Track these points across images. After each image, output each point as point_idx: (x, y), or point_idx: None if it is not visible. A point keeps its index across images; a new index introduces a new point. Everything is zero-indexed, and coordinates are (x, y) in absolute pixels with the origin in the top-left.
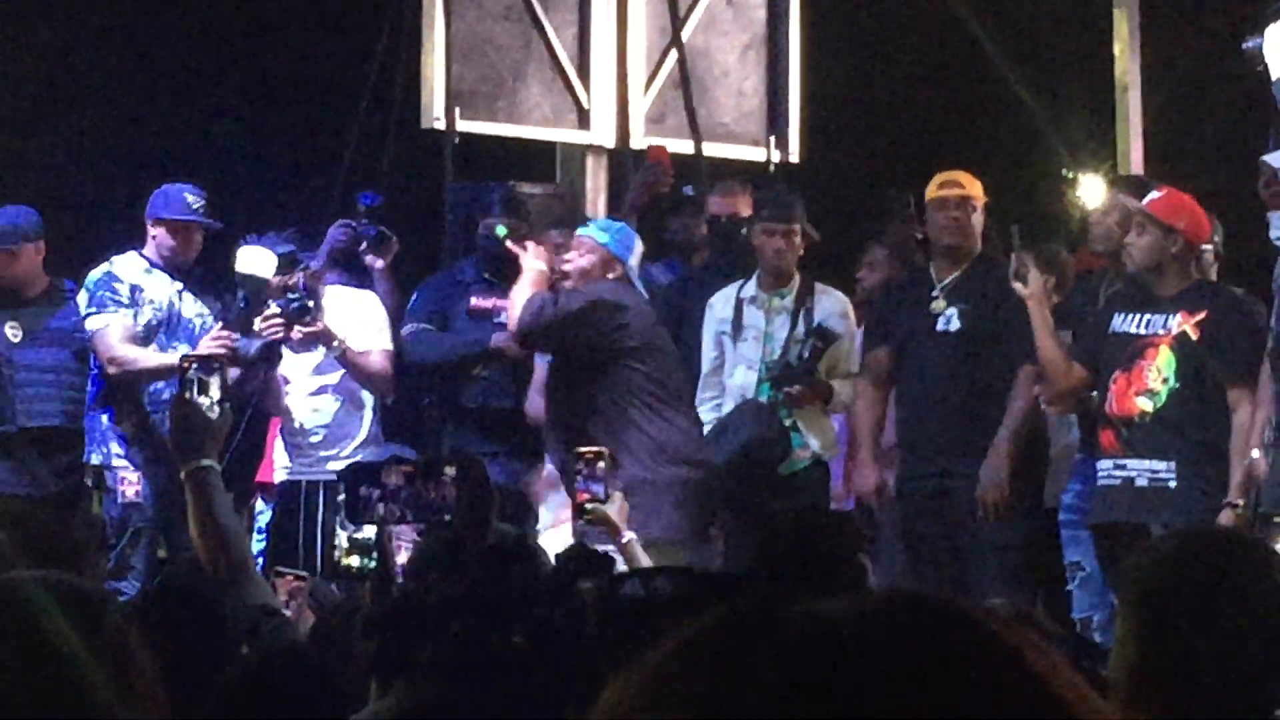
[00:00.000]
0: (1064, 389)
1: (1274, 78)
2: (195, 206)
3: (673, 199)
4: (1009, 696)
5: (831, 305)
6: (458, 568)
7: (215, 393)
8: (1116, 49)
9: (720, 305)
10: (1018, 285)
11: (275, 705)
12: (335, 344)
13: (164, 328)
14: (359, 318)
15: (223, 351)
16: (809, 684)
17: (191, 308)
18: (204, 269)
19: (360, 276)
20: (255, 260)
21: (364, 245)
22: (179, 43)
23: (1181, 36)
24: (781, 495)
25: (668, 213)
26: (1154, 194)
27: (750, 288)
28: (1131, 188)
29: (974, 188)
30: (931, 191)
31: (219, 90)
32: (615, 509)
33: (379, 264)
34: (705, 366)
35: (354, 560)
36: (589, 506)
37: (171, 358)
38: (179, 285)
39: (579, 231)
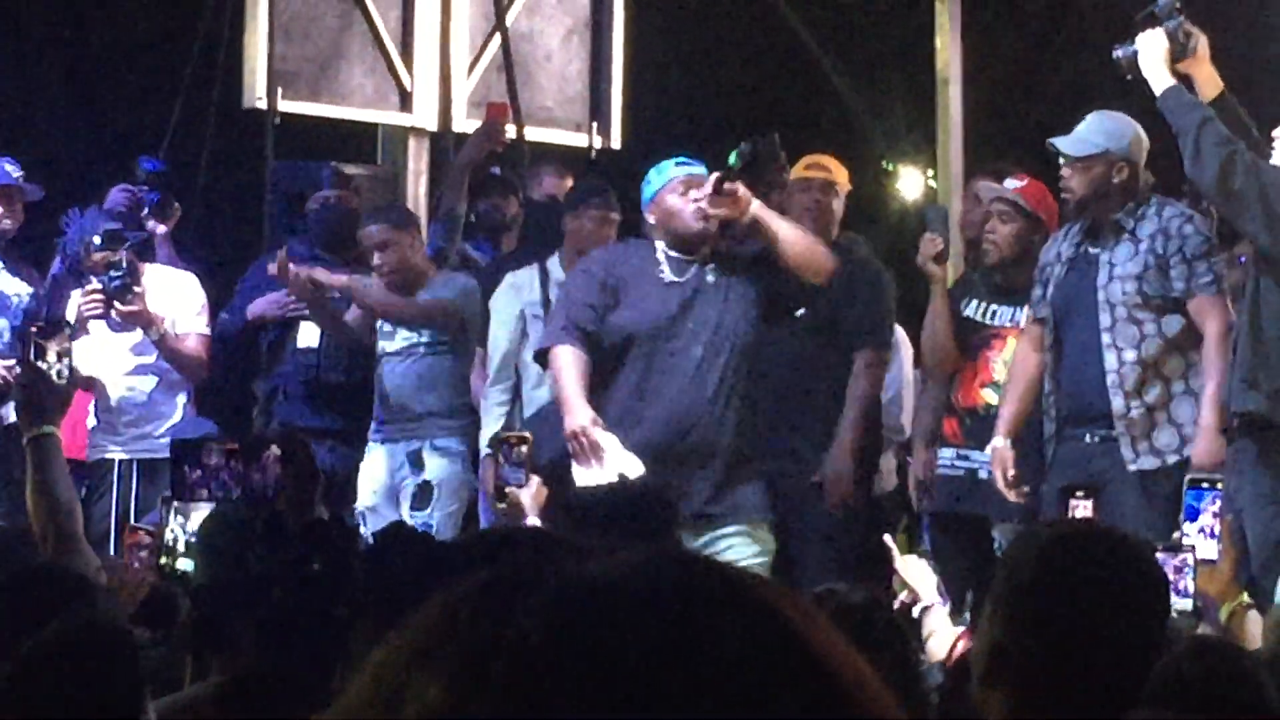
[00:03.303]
0: (944, 376)
1: (1157, 91)
2: (15, 175)
3: (484, 177)
4: (768, 657)
5: None
6: (278, 544)
7: (52, 357)
8: (938, 42)
9: (526, 285)
10: (931, 267)
11: (65, 683)
12: (154, 329)
13: None
14: (178, 299)
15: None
16: (567, 642)
17: (10, 283)
18: (23, 242)
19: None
20: None
21: (146, 210)
22: None
23: (1002, 30)
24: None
25: (476, 193)
26: (1017, 182)
27: (556, 268)
28: (990, 176)
29: (840, 174)
30: (796, 171)
31: (40, 66)
32: (530, 494)
33: (160, 229)
34: (504, 346)
35: (188, 564)
36: (507, 491)
37: None
38: None
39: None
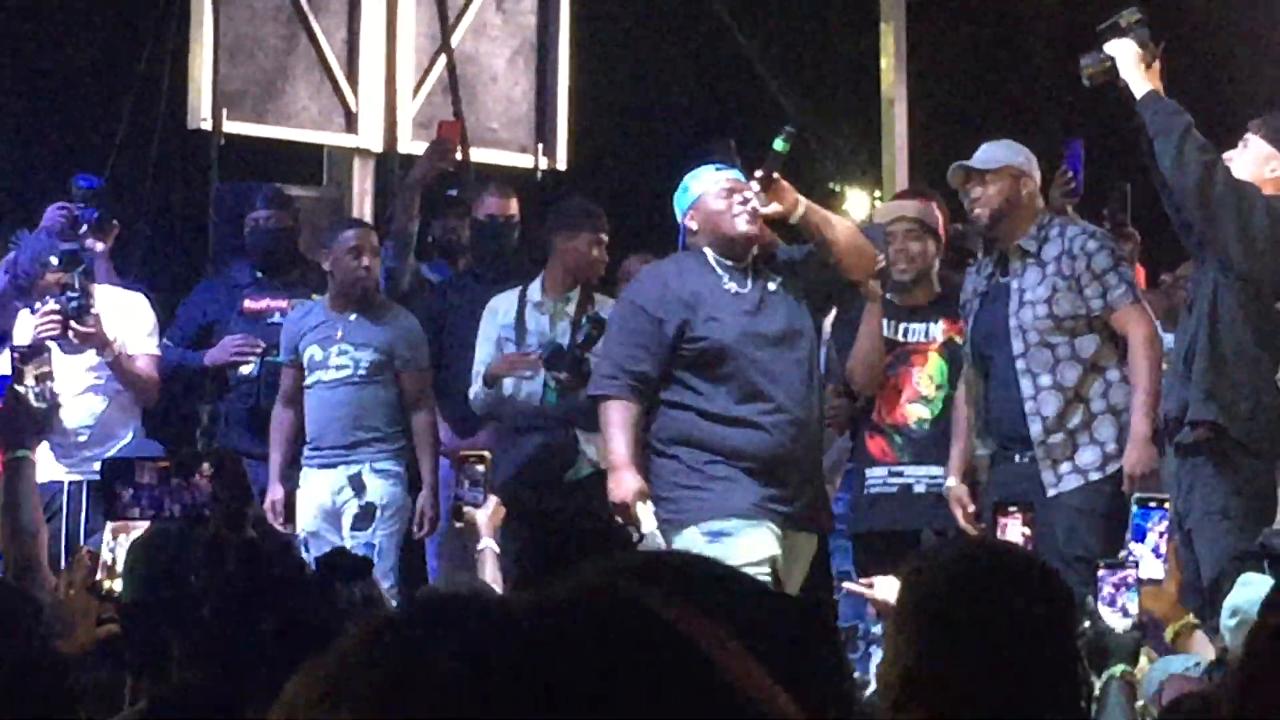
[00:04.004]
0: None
1: (1138, 94)
2: None
3: (442, 194)
4: (683, 686)
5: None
6: (211, 561)
7: (31, 380)
8: (883, 63)
9: (502, 309)
10: (872, 285)
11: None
12: (108, 350)
13: None
14: (129, 320)
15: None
16: (481, 677)
17: None
18: None
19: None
20: None
21: (84, 229)
22: None
23: (947, 52)
24: (568, 502)
25: (433, 215)
26: (928, 203)
27: (535, 291)
28: (909, 195)
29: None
30: None
31: None
32: (486, 515)
33: (99, 247)
34: (482, 369)
35: (118, 584)
36: (464, 510)
37: None
38: None
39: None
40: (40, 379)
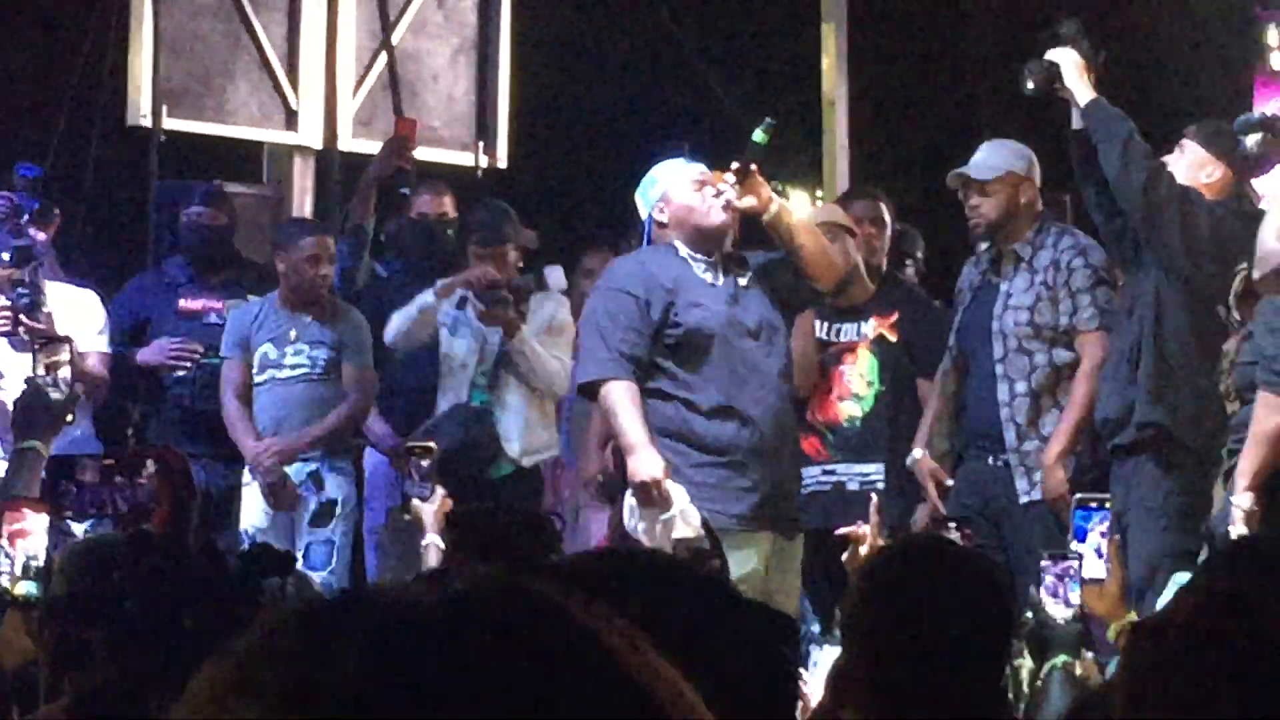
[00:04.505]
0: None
1: (1081, 102)
2: None
3: (395, 192)
4: (587, 685)
5: (552, 307)
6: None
7: (42, 370)
8: (824, 64)
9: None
10: None
11: None
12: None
13: None
14: (80, 317)
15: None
16: (386, 671)
17: None
18: None
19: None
20: None
21: (26, 218)
22: None
23: (888, 53)
24: (490, 499)
25: (385, 212)
26: (875, 203)
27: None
28: (857, 196)
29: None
30: None
31: None
32: (433, 509)
33: (41, 236)
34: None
35: (25, 588)
36: (411, 504)
37: None
38: None
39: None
40: (51, 368)
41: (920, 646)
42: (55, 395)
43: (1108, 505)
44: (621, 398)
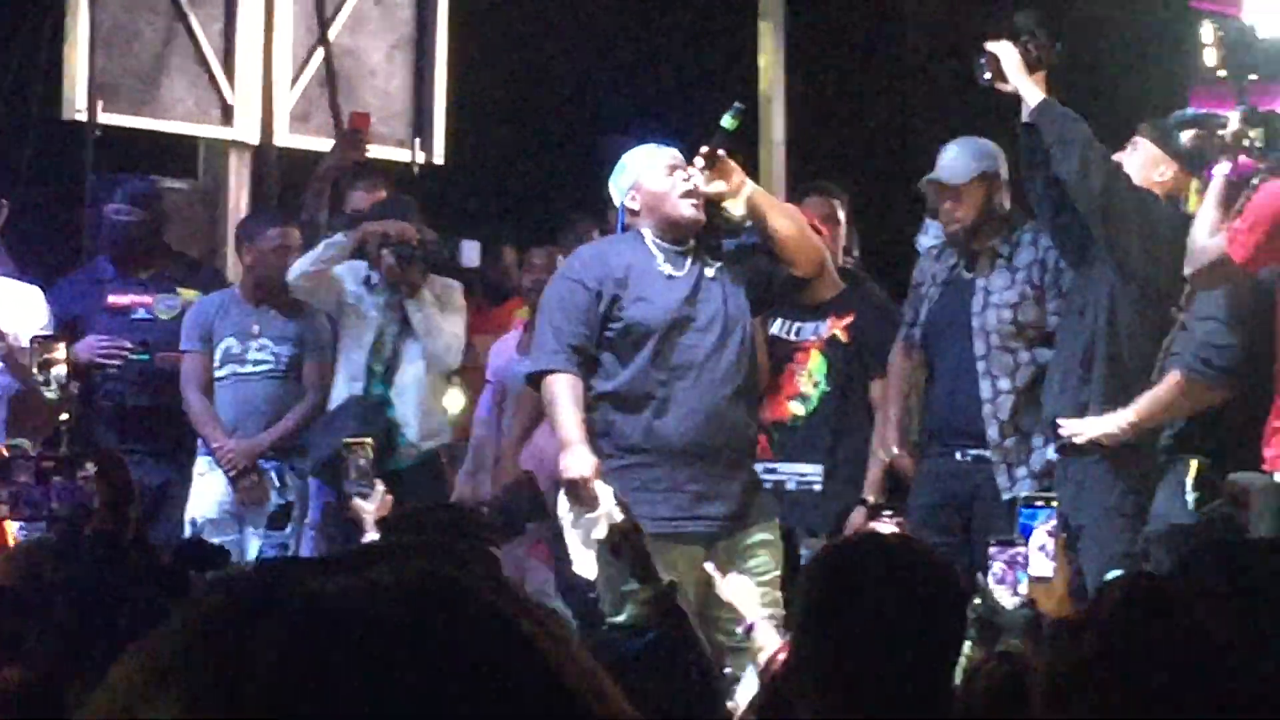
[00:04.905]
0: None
1: (1031, 102)
2: None
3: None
4: (505, 673)
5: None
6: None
7: (36, 369)
8: (761, 61)
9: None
10: None
11: None
12: (2, 343)
13: None
14: (23, 313)
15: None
16: (304, 663)
17: None
18: None
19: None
20: None
21: None
22: None
23: (825, 51)
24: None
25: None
26: (828, 200)
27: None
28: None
29: None
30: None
31: None
32: (373, 506)
33: None
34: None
35: None
36: (351, 502)
37: None
38: None
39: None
40: (44, 366)
41: (871, 642)
42: (51, 396)
43: (1053, 504)
44: (561, 392)
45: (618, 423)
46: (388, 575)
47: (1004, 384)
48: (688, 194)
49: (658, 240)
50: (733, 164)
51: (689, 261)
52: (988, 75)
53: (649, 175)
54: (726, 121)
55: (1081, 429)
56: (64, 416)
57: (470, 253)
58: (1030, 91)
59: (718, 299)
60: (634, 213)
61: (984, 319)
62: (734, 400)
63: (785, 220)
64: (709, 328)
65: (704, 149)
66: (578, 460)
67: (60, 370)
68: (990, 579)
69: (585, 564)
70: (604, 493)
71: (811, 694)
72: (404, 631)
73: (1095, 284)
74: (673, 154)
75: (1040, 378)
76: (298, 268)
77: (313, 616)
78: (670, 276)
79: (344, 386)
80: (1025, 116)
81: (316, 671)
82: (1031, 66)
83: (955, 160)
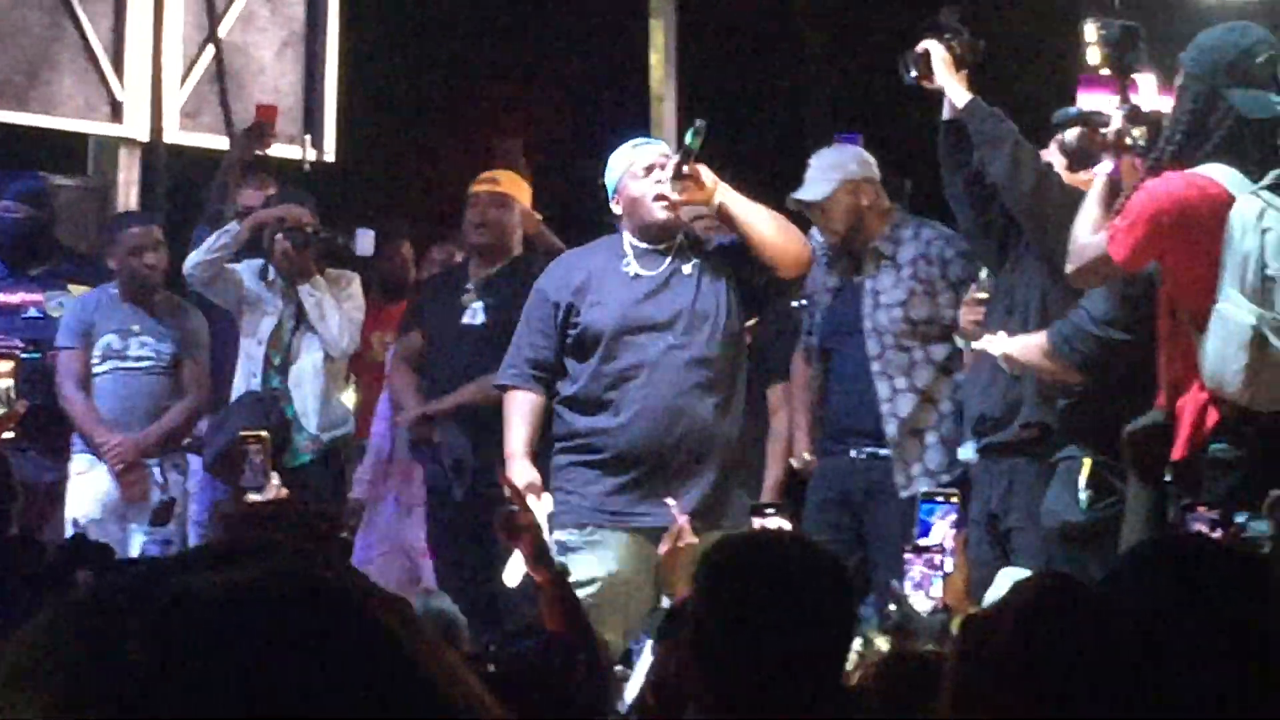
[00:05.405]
0: None
1: (959, 103)
2: None
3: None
4: (371, 669)
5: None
6: None
7: None
8: (652, 59)
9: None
10: None
11: None
12: None
13: None
14: None
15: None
16: (170, 659)
17: None
18: None
19: None
20: None
21: None
22: None
23: (718, 49)
24: (290, 488)
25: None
26: None
27: (272, 273)
28: None
29: (511, 185)
30: (470, 189)
31: None
32: (270, 498)
33: None
34: None
35: None
36: (246, 497)
37: None
38: None
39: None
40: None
41: (757, 639)
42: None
43: (954, 500)
44: (515, 408)
45: (576, 425)
46: (251, 570)
47: (901, 383)
48: (659, 197)
49: (634, 241)
50: (704, 176)
51: (668, 260)
52: (914, 73)
53: (629, 178)
54: (689, 139)
55: (986, 345)
56: (9, 435)
57: (365, 242)
58: (957, 91)
59: (686, 297)
60: (618, 216)
61: (875, 320)
62: (696, 398)
63: (763, 224)
64: (668, 326)
65: (672, 164)
66: (515, 473)
67: (7, 384)
68: (907, 584)
69: (512, 573)
70: (538, 508)
71: (699, 693)
72: (267, 625)
73: (1021, 280)
74: (653, 153)
75: (936, 375)
76: (192, 259)
77: (178, 612)
78: (635, 276)
79: (243, 381)
80: (946, 114)
81: (182, 666)
82: (956, 64)
83: (813, 174)
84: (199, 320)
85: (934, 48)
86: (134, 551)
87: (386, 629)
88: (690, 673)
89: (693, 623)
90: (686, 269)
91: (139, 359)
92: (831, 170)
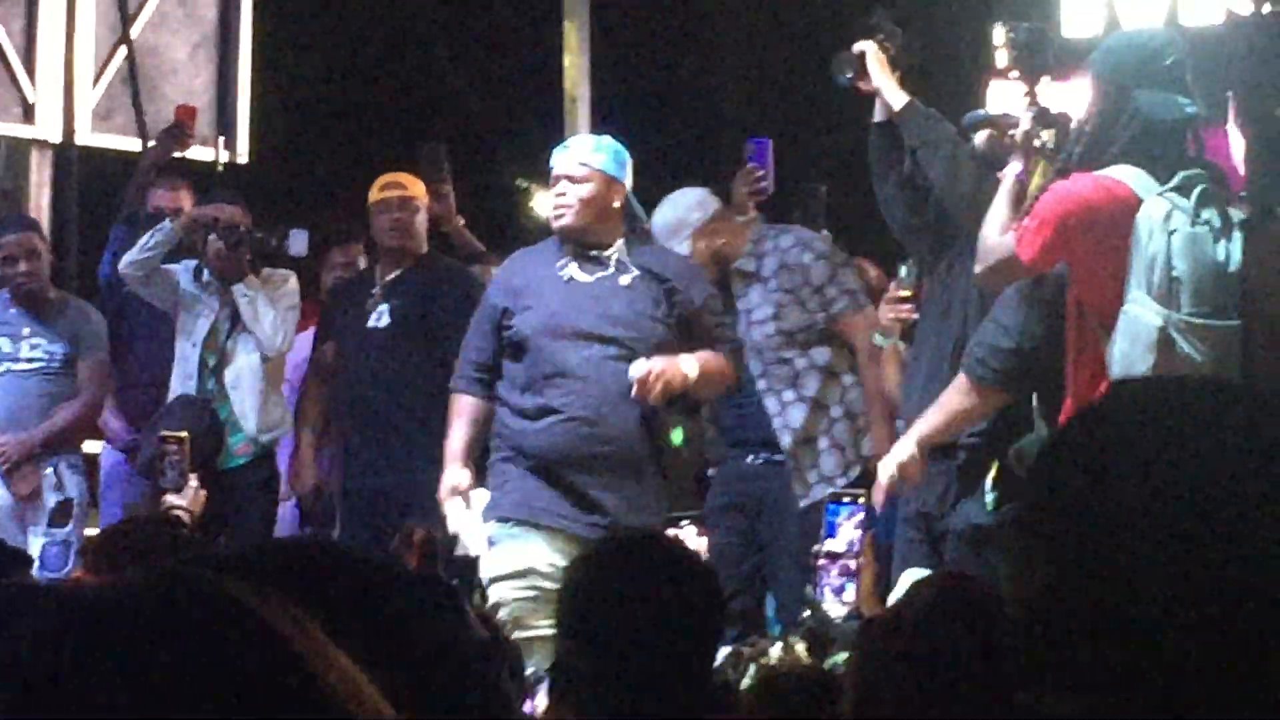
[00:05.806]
0: None
1: (895, 106)
2: None
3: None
4: (260, 676)
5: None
6: None
7: None
8: (566, 60)
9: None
10: None
11: None
12: None
13: None
14: None
15: None
16: (60, 662)
17: None
18: None
19: None
20: None
21: None
22: None
23: (632, 51)
24: (221, 491)
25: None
26: None
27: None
28: None
29: (416, 189)
30: (374, 195)
31: None
32: (186, 500)
33: None
34: None
35: None
36: (165, 496)
37: None
38: None
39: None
40: None
41: (624, 642)
42: None
43: (861, 500)
44: (455, 413)
45: (508, 424)
46: (141, 578)
47: (789, 395)
48: (556, 205)
49: (576, 245)
50: (670, 378)
51: (608, 269)
52: (849, 74)
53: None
54: (676, 438)
55: (884, 475)
56: None
57: (299, 242)
58: (893, 92)
59: (617, 307)
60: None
61: (751, 338)
62: (618, 409)
63: (710, 388)
64: (592, 336)
65: (659, 432)
66: (446, 477)
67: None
68: (822, 591)
69: (471, 541)
70: (452, 513)
71: (579, 691)
72: (156, 628)
73: (959, 283)
74: (558, 165)
75: (823, 380)
76: (126, 259)
77: (67, 615)
78: (570, 280)
79: (179, 383)
80: (879, 116)
81: (70, 668)
82: (892, 65)
83: (660, 221)
84: (96, 319)
85: (869, 49)
86: (34, 552)
87: (279, 633)
88: (562, 676)
89: (562, 628)
90: (625, 280)
91: (30, 360)
92: (680, 230)
